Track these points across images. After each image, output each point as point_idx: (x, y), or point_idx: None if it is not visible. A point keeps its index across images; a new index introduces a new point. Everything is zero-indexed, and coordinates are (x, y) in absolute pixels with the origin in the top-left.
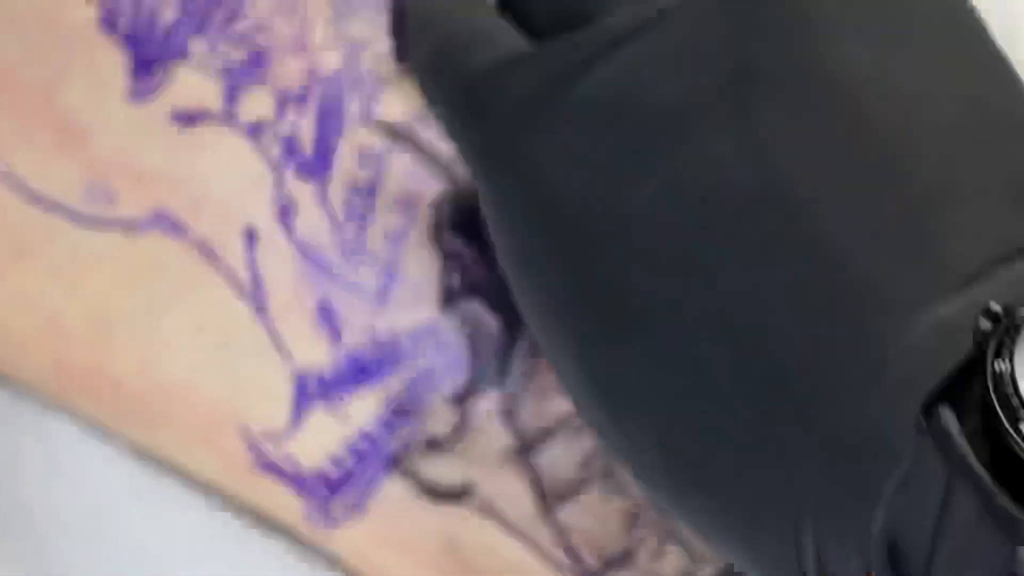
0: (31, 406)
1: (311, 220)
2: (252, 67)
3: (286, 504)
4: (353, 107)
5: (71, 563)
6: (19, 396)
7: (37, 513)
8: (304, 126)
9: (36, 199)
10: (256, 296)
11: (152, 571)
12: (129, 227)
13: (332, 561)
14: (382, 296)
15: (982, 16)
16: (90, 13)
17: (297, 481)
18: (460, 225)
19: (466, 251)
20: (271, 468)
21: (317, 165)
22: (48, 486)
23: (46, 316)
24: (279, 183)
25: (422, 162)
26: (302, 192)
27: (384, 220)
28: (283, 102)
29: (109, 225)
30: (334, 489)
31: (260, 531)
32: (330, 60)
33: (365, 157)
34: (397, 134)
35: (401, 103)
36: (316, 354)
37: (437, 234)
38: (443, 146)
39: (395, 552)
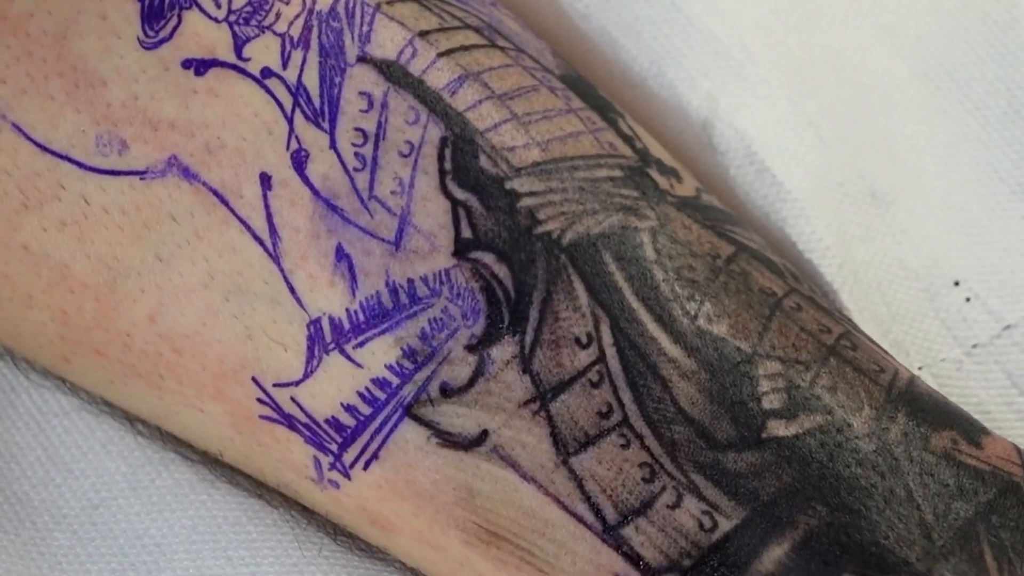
0: (29, 397)
1: (323, 167)
2: (255, 11)
3: (297, 456)
4: (350, 48)
5: (69, 555)
6: (16, 387)
7: (35, 505)
8: (308, 72)
9: (45, 149)
10: (272, 242)
11: (150, 564)
12: (141, 175)
13: (336, 535)
14: (396, 243)
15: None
16: None
17: (309, 430)
18: (463, 173)
19: (473, 200)
20: (283, 417)
21: (325, 112)
22: (46, 478)
23: (54, 268)
24: (291, 130)
25: (420, 103)
26: (314, 139)
27: (391, 168)
28: (287, 48)
29: (120, 174)
30: (348, 438)
31: (258, 526)
32: None
33: (367, 102)
34: (393, 75)
35: (392, 34)
36: (331, 300)
37: (443, 183)
38: (437, 80)
39: (410, 502)
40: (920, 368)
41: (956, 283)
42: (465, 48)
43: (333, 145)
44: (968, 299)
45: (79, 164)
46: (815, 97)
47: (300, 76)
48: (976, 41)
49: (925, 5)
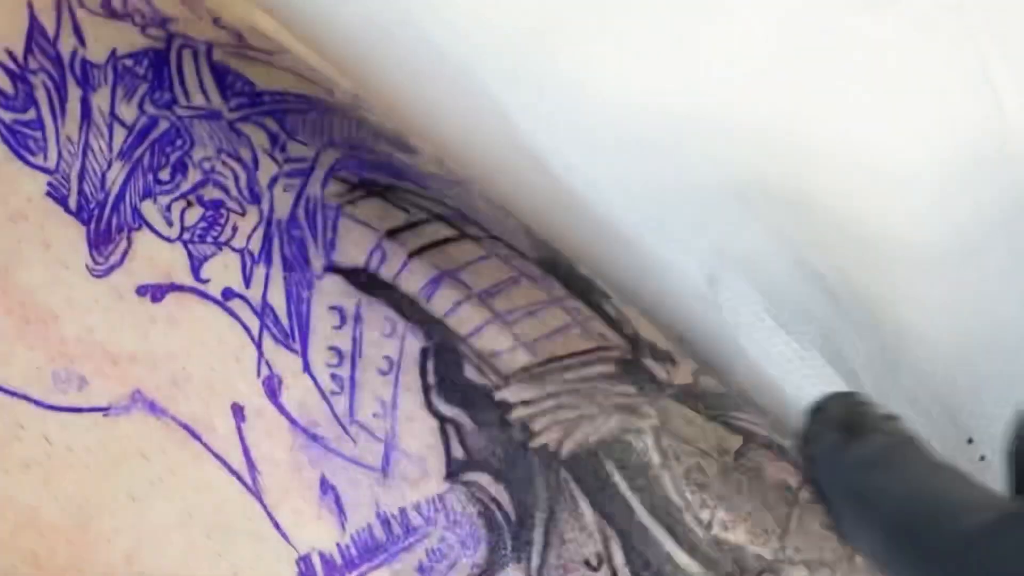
0: None
1: (299, 393)
2: (210, 226)
3: None
4: (315, 258)
5: None
6: None
7: None
8: (273, 289)
9: None
10: (251, 477)
11: None
12: (104, 412)
13: None
14: (384, 470)
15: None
16: (34, 187)
17: None
18: (449, 387)
19: (462, 416)
20: None
21: (295, 332)
22: None
23: (21, 511)
24: (261, 355)
25: (395, 313)
26: (286, 363)
27: (371, 388)
28: (248, 264)
29: (82, 411)
30: None
31: None
32: (282, 203)
33: (339, 316)
34: (363, 284)
35: (358, 238)
36: (320, 535)
37: (428, 400)
38: (412, 284)
39: None
40: None
41: (970, 440)
42: (436, 244)
43: (307, 368)
44: (983, 457)
45: (37, 403)
46: (818, 246)
47: (265, 295)
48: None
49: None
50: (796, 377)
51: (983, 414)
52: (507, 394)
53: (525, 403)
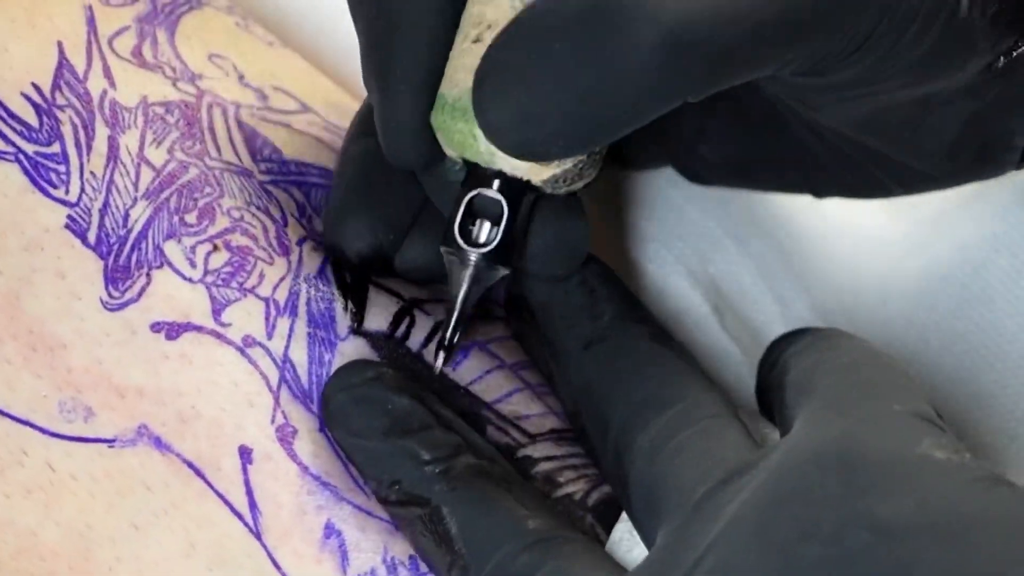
0: None
1: (313, 446)
2: (236, 272)
3: None
4: (341, 317)
5: None
6: None
7: None
8: (296, 345)
9: (4, 414)
10: (252, 516)
11: None
12: (109, 443)
13: None
14: (397, 525)
15: None
16: (53, 218)
17: None
18: None
19: None
20: None
21: (314, 395)
22: None
23: (22, 535)
24: (277, 404)
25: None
26: (302, 418)
27: None
28: (272, 314)
29: (87, 441)
30: None
31: None
32: (311, 259)
33: None
34: (387, 349)
35: (385, 301)
36: None
37: None
38: (432, 358)
39: None
40: None
41: None
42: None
43: (323, 429)
44: None
45: (41, 430)
46: (807, 291)
47: (287, 349)
48: None
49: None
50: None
51: (988, 428)
52: (532, 451)
53: (551, 459)
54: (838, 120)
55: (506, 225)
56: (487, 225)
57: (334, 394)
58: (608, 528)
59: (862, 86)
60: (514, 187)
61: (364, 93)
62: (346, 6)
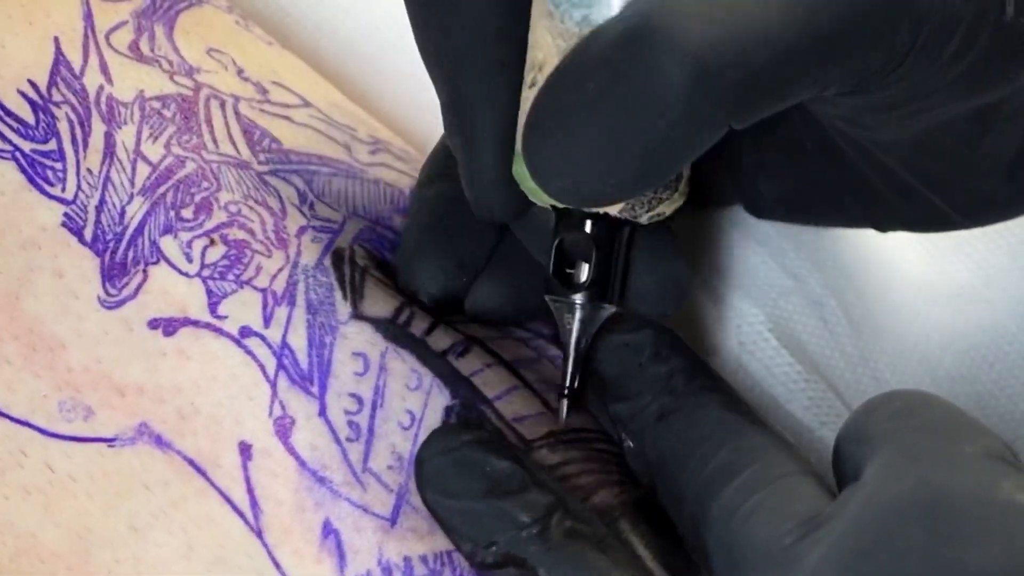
0: None
1: (311, 436)
2: (233, 264)
3: None
4: (341, 305)
5: None
6: None
7: None
8: (295, 331)
9: (3, 415)
10: (253, 514)
11: None
12: (109, 443)
13: None
14: (392, 520)
15: None
16: (50, 217)
17: None
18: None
19: None
20: None
21: (314, 376)
22: None
23: (21, 536)
24: (275, 394)
25: (423, 366)
26: (300, 405)
27: (389, 439)
28: (269, 304)
29: (86, 441)
30: None
31: None
32: (310, 251)
33: (362, 363)
34: (392, 334)
35: (385, 298)
36: None
37: None
38: (441, 342)
39: None
40: None
41: None
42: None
43: (323, 412)
44: None
45: (41, 431)
46: (819, 271)
47: (285, 335)
48: None
49: None
50: (802, 399)
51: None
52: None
53: (549, 468)
54: (894, 141)
55: (597, 263)
56: (584, 266)
57: (430, 457)
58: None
59: (912, 101)
60: (598, 224)
61: (363, 94)
62: (346, 5)
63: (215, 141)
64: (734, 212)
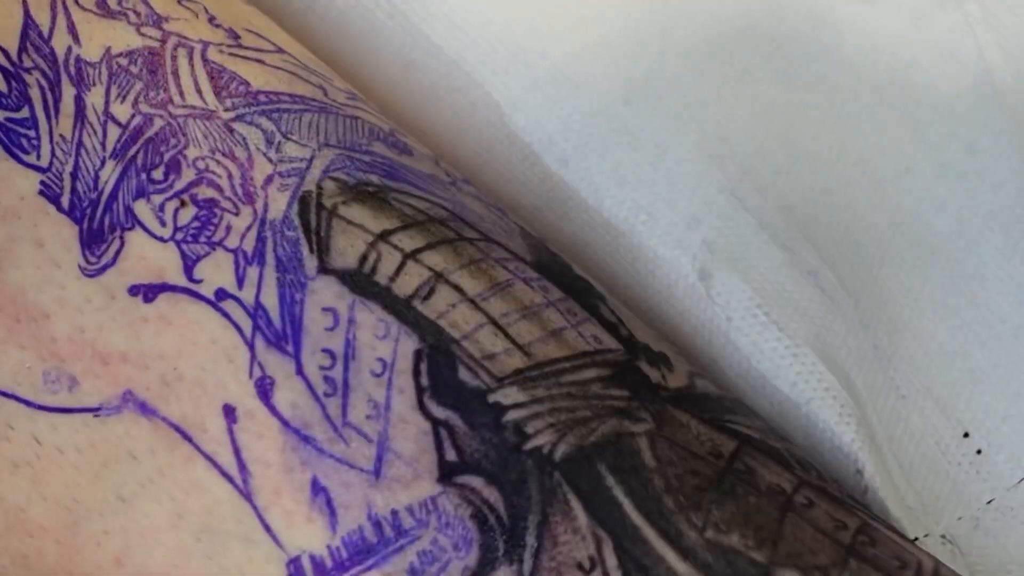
0: None
1: (291, 395)
2: (204, 226)
3: None
4: (308, 259)
5: None
6: None
7: None
8: (266, 291)
9: None
10: (242, 478)
11: None
12: (95, 412)
13: None
14: (376, 472)
15: None
16: (27, 185)
17: None
18: (442, 389)
19: (455, 418)
20: None
21: (288, 334)
22: None
23: (10, 511)
24: (253, 356)
25: (389, 315)
26: (278, 364)
27: (364, 390)
28: (241, 265)
29: (72, 412)
30: None
31: None
32: (276, 203)
33: (332, 318)
34: (358, 286)
35: (352, 240)
36: (310, 538)
37: (420, 401)
38: (406, 286)
39: None
40: (937, 535)
41: (966, 434)
42: (431, 246)
43: (300, 370)
44: (979, 451)
45: (27, 403)
46: (810, 242)
47: (258, 296)
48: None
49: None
50: (790, 374)
51: (980, 405)
52: (500, 397)
53: (519, 406)
54: None
55: None
56: None
57: None
58: (575, 486)
59: None
60: None
61: (354, 75)
62: None
63: (181, 93)
64: None
